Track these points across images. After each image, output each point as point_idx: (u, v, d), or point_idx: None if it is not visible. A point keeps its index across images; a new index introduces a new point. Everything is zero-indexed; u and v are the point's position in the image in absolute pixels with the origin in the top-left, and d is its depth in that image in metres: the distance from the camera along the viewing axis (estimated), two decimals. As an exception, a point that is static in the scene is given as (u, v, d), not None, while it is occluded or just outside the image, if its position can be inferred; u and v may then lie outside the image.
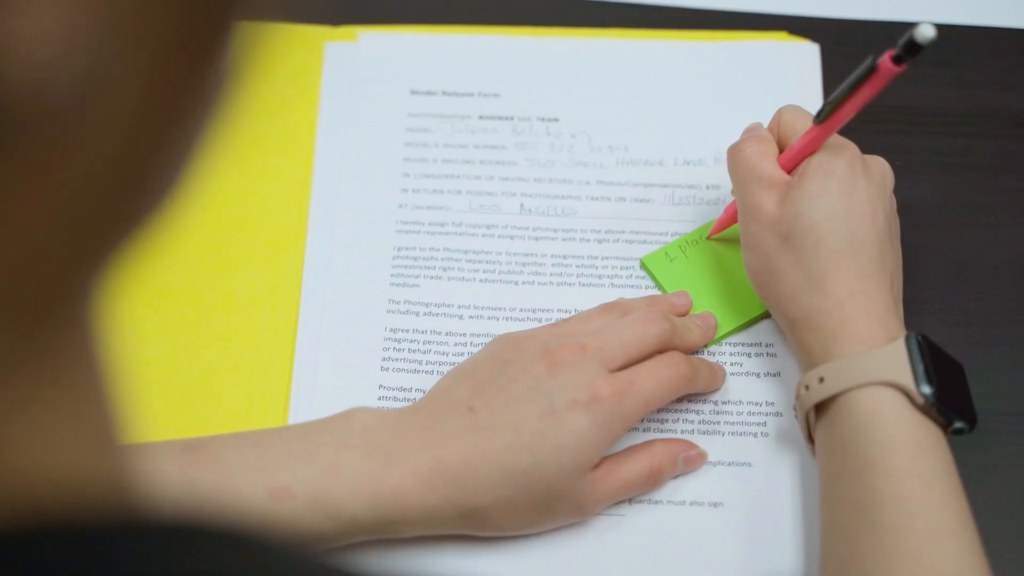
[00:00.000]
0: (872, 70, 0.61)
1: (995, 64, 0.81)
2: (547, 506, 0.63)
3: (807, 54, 0.81)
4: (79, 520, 0.27)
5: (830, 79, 0.80)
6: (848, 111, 0.63)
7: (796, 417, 0.64)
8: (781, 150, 0.68)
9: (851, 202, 0.64)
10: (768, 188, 0.66)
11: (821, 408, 0.62)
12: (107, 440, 0.30)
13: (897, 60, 0.60)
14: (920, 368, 0.60)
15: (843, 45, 0.82)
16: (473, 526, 0.63)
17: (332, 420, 0.64)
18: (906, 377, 0.60)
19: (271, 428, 0.64)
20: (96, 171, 0.25)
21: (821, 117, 0.65)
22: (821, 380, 0.61)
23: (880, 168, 0.66)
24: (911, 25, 0.82)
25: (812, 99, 0.80)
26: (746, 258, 0.67)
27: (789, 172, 0.66)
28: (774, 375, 0.70)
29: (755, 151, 0.67)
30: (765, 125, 0.71)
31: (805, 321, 0.64)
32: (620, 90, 0.81)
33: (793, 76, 0.80)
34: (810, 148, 0.66)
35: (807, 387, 0.62)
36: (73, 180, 0.25)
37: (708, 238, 0.73)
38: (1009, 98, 0.80)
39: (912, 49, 0.59)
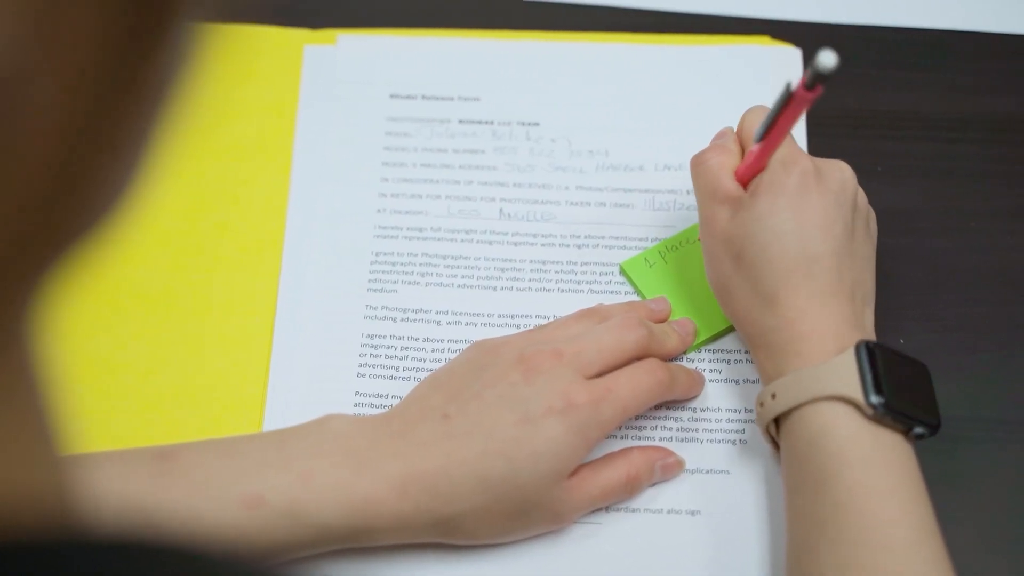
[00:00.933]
0: (790, 97, 0.60)
1: (979, 69, 0.80)
2: (522, 514, 0.63)
3: (789, 58, 0.81)
4: (14, 536, 0.26)
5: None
6: (778, 134, 0.63)
7: (760, 432, 0.64)
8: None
9: (802, 218, 0.63)
10: (723, 203, 0.65)
11: (779, 422, 0.62)
12: (47, 456, 0.30)
13: (810, 86, 0.59)
14: (869, 378, 0.59)
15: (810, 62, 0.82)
16: (447, 534, 0.63)
17: (306, 427, 0.63)
18: (854, 389, 0.59)
19: (244, 435, 0.63)
20: (29, 177, 0.25)
21: (758, 137, 0.64)
22: (774, 396, 0.61)
23: (838, 174, 0.65)
24: (894, 30, 0.82)
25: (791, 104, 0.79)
26: (707, 269, 0.67)
27: (745, 186, 0.66)
28: (754, 382, 0.70)
29: (716, 163, 0.66)
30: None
31: (759, 339, 0.63)
32: (601, 94, 0.80)
33: (774, 81, 0.80)
34: (758, 165, 0.65)
35: (762, 404, 0.62)
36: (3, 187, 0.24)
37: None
38: (993, 103, 0.79)
39: (820, 77, 0.58)
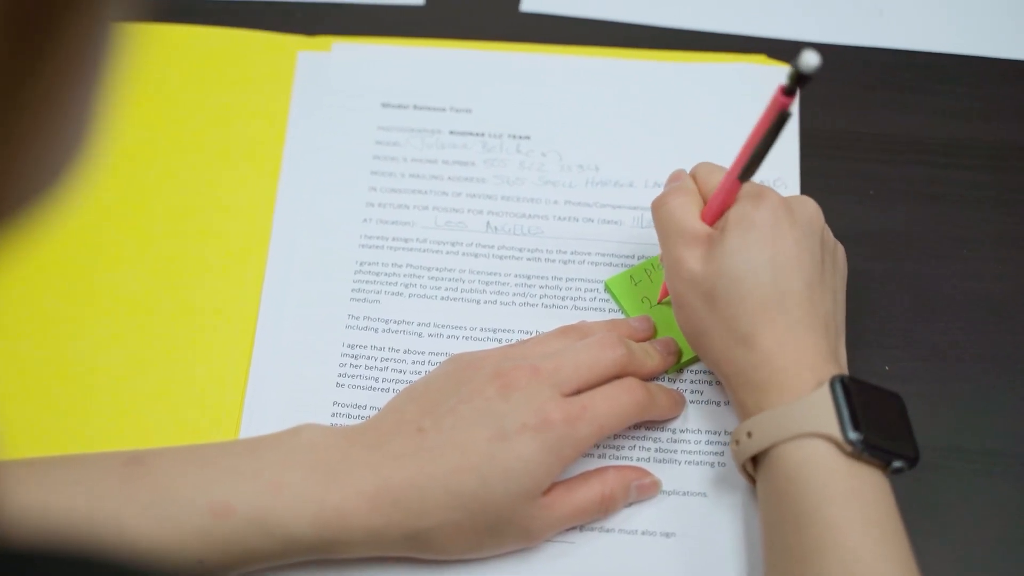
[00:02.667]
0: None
1: (974, 94, 0.80)
2: (494, 531, 0.62)
3: (783, 78, 0.80)
4: None
5: (807, 104, 0.79)
6: (748, 147, 0.62)
7: (737, 469, 0.63)
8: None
9: (774, 251, 0.62)
10: (690, 243, 0.64)
11: (757, 459, 0.61)
12: None
13: (788, 92, 0.59)
14: (846, 413, 0.58)
15: (821, 69, 0.81)
16: (418, 549, 0.62)
17: (279, 436, 0.63)
18: (831, 426, 0.58)
19: (217, 443, 0.63)
20: None
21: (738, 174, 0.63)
22: (749, 435, 0.61)
23: (806, 210, 0.65)
24: (890, 52, 0.82)
25: (789, 125, 0.78)
26: (676, 316, 0.66)
27: (712, 225, 0.65)
28: (734, 404, 0.69)
29: (678, 204, 0.65)
30: (735, 151, 0.69)
31: (736, 377, 0.62)
32: (594, 109, 0.80)
33: (767, 99, 0.79)
34: (728, 198, 0.64)
35: (737, 442, 0.61)
36: None
37: (658, 303, 0.72)
38: (987, 128, 0.78)
39: (800, 79, 0.58)
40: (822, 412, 0.59)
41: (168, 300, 0.73)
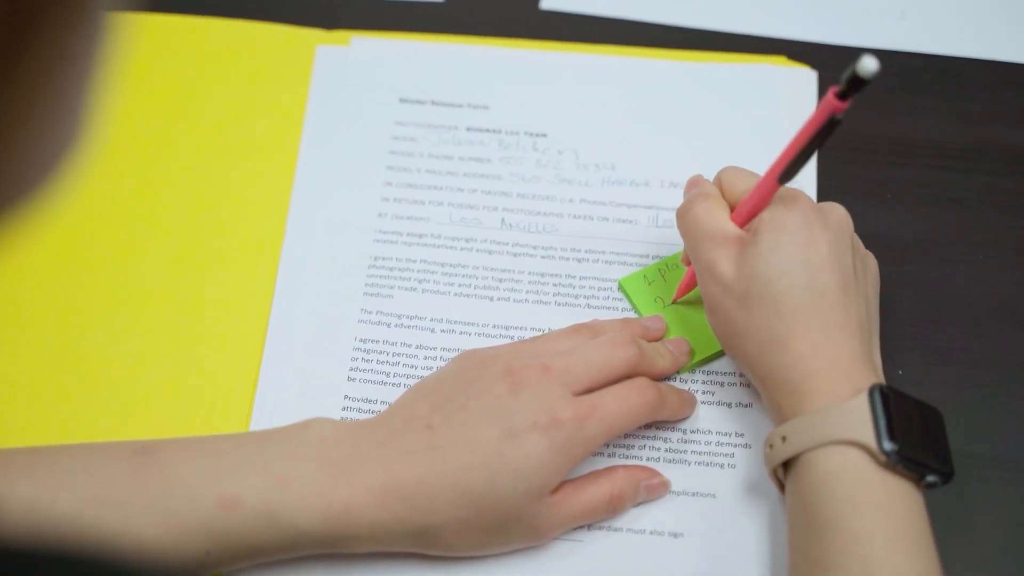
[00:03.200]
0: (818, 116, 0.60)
1: (994, 98, 0.79)
2: (502, 529, 0.62)
3: (804, 80, 0.80)
4: None
5: (826, 106, 0.79)
6: (791, 149, 0.62)
7: (768, 474, 0.63)
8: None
9: (808, 253, 0.62)
10: (721, 245, 0.64)
11: (788, 464, 0.61)
12: None
13: (842, 96, 0.58)
14: (883, 424, 0.58)
15: (840, 72, 0.80)
16: (425, 545, 0.62)
17: (289, 430, 0.63)
18: (867, 434, 0.58)
19: (227, 435, 0.63)
20: None
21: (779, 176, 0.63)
22: (784, 439, 0.60)
23: (837, 215, 0.64)
24: (911, 56, 0.81)
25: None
26: (709, 320, 0.65)
27: (742, 227, 0.65)
28: (746, 406, 0.69)
29: (704, 208, 0.65)
30: (753, 153, 0.69)
31: (771, 378, 0.62)
32: (611, 108, 0.80)
33: (788, 101, 0.79)
34: (761, 200, 0.64)
35: (771, 446, 0.61)
36: None
37: (673, 303, 0.72)
38: (1007, 134, 0.78)
39: (856, 82, 0.57)
40: (858, 420, 0.58)
41: (182, 292, 0.73)
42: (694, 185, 0.69)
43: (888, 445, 0.58)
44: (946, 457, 0.61)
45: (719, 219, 0.65)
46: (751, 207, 0.64)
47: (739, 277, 0.63)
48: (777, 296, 0.61)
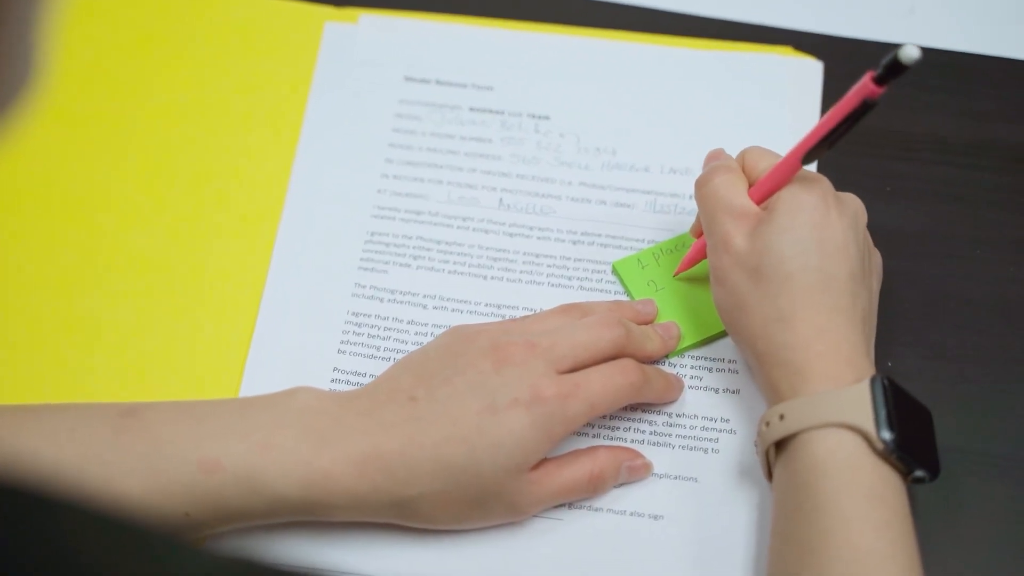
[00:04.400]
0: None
1: (1000, 95, 0.79)
2: (480, 503, 0.62)
3: (810, 71, 0.80)
4: None
5: (830, 98, 0.79)
6: (820, 130, 0.62)
7: (756, 453, 0.63)
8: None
9: (822, 236, 0.62)
10: (738, 219, 0.64)
11: (781, 445, 0.61)
12: None
13: (879, 80, 0.58)
14: (883, 413, 0.58)
15: (848, 65, 0.80)
16: (404, 516, 0.62)
17: (273, 397, 0.63)
18: (867, 421, 0.58)
19: (212, 400, 0.63)
20: None
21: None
22: (782, 417, 0.60)
23: (853, 204, 0.65)
24: (920, 50, 0.80)
25: (809, 117, 0.78)
26: (715, 292, 0.65)
27: (759, 204, 0.65)
28: (733, 392, 0.69)
29: (724, 181, 0.65)
30: (755, 142, 0.69)
31: (772, 356, 0.62)
32: (615, 93, 0.80)
33: (792, 92, 0.79)
34: (781, 179, 0.64)
35: (768, 423, 0.61)
36: None
37: (675, 276, 0.72)
38: (1011, 131, 0.78)
39: (895, 69, 0.57)
40: (859, 406, 0.58)
41: (180, 260, 0.74)
42: (715, 158, 0.68)
43: (887, 434, 0.58)
44: (934, 454, 0.61)
45: (738, 193, 0.65)
46: (771, 185, 0.64)
47: (752, 251, 0.63)
48: (788, 274, 0.62)
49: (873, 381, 0.59)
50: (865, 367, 0.61)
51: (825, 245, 0.62)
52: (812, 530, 0.57)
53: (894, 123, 0.78)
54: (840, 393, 0.59)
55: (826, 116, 0.61)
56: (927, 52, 0.80)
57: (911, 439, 0.59)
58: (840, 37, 0.82)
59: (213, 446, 0.60)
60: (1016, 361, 0.70)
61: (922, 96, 0.79)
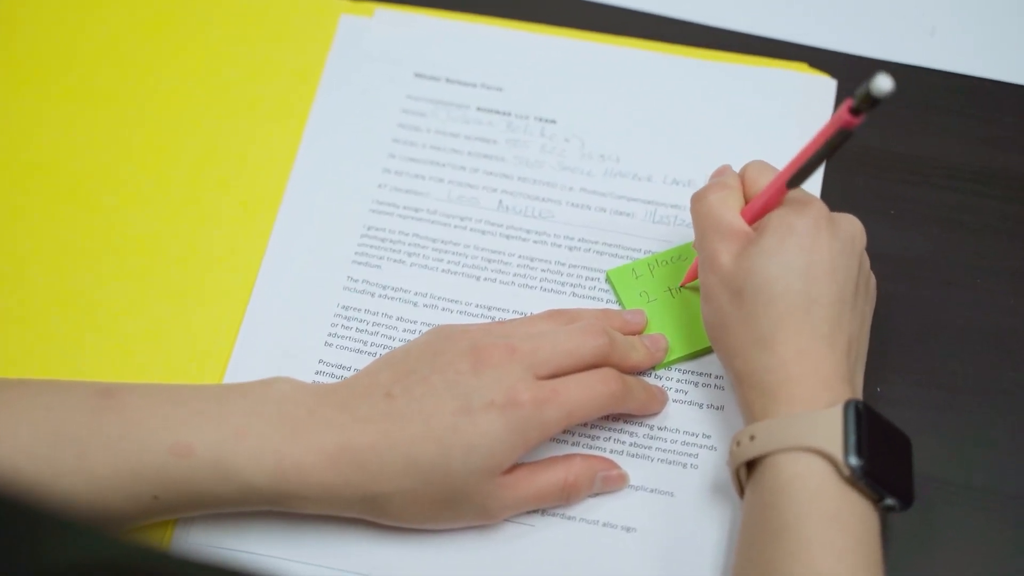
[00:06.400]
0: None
1: (1015, 123, 0.78)
2: (451, 504, 0.62)
3: (822, 89, 0.79)
4: None
5: (842, 117, 0.78)
6: (802, 156, 0.61)
7: (729, 473, 0.62)
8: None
9: (810, 260, 0.61)
10: (727, 239, 0.63)
11: (751, 465, 0.60)
12: None
13: (855, 111, 0.57)
14: (852, 439, 0.57)
15: (857, 87, 0.79)
16: (374, 512, 0.62)
17: (251, 385, 0.63)
18: (835, 446, 0.57)
19: (190, 384, 0.64)
20: None
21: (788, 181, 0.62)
22: (752, 438, 0.60)
23: (849, 227, 0.64)
24: (932, 72, 0.80)
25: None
26: (703, 309, 0.65)
27: (751, 224, 0.64)
28: (717, 408, 0.68)
29: (718, 199, 0.65)
30: (762, 157, 0.68)
31: (750, 377, 0.62)
32: (624, 100, 0.79)
33: (803, 109, 0.78)
34: (772, 201, 0.63)
35: (739, 443, 0.60)
36: None
37: (680, 287, 0.71)
38: (1021, 160, 0.76)
39: (869, 101, 0.56)
40: (829, 431, 0.58)
41: (176, 243, 0.74)
42: (719, 175, 0.68)
43: (854, 460, 0.57)
44: (908, 483, 0.60)
45: (730, 212, 0.64)
46: (760, 206, 0.64)
47: (737, 272, 0.62)
48: (771, 298, 0.61)
49: (847, 406, 0.58)
50: (843, 392, 0.60)
51: (812, 270, 0.61)
52: (775, 552, 0.57)
53: (904, 146, 0.77)
54: (810, 417, 0.58)
55: (808, 143, 0.61)
56: (944, 76, 0.80)
57: (883, 467, 0.58)
58: (857, 56, 0.81)
59: (187, 431, 0.60)
60: (1006, 393, 0.69)
61: (936, 120, 0.78)
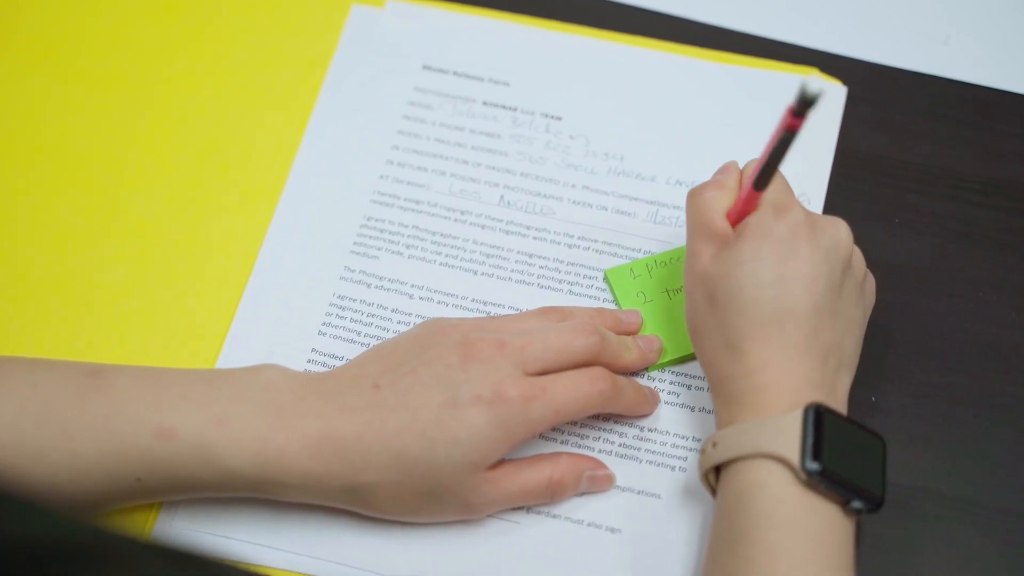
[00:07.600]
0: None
1: (1020, 135, 0.77)
2: (434, 497, 0.62)
3: (832, 95, 0.78)
4: None
5: (852, 123, 0.77)
6: (759, 160, 0.60)
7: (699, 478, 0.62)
8: None
9: (785, 268, 0.60)
10: (710, 239, 0.63)
11: (719, 471, 0.60)
12: None
13: (796, 113, 0.57)
14: (809, 442, 0.57)
15: (874, 92, 0.79)
16: (357, 503, 0.62)
17: (238, 371, 0.63)
18: (792, 451, 0.57)
19: (179, 368, 0.64)
20: None
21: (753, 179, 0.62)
22: (715, 444, 0.59)
23: (835, 232, 0.62)
24: (945, 81, 0.79)
25: (826, 141, 0.77)
26: (685, 308, 0.65)
27: (734, 226, 0.63)
28: (708, 412, 0.68)
29: (711, 198, 0.64)
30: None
31: (720, 385, 0.61)
32: (632, 99, 0.79)
33: (812, 114, 0.77)
34: (747, 204, 0.62)
35: (703, 451, 0.60)
36: None
37: (677, 291, 0.71)
38: (1029, 173, 0.76)
39: (806, 103, 0.56)
40: (786, 435, 0.57)
41: (176, 227, 0.74)
42: (723, 171, 0.67)
43: (811, 464, 0.57)
44: (877, 485, 0.59)
45: (717, 213, 0.63)
46: (738, 209, 0.63)
47: (712, 275, 0.62)
48: (743, 305, 0.60)
49: (806, 410, 0.58)
50: (811, 397, 0.59)
51: (786, 279, 0.60)
52: (736, 558, 0.56)
53: (912, 154, 0.77)
54: (769, 422, 0.58)
55: (764, 146, 0.60)
56: (956, 85, 0.79)
57: (849, 469, 0.57)
58: (869, 63, 0.80)
59: (171, 414, 0.61)
60: (1001, 407, 0.68)
61: (946, 129, 0.77)
